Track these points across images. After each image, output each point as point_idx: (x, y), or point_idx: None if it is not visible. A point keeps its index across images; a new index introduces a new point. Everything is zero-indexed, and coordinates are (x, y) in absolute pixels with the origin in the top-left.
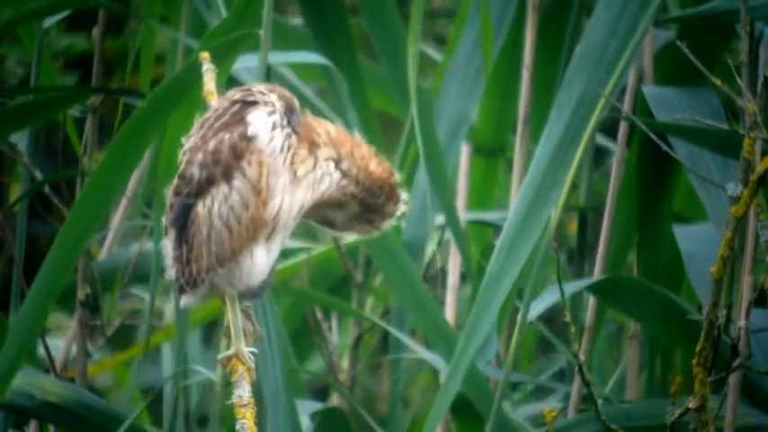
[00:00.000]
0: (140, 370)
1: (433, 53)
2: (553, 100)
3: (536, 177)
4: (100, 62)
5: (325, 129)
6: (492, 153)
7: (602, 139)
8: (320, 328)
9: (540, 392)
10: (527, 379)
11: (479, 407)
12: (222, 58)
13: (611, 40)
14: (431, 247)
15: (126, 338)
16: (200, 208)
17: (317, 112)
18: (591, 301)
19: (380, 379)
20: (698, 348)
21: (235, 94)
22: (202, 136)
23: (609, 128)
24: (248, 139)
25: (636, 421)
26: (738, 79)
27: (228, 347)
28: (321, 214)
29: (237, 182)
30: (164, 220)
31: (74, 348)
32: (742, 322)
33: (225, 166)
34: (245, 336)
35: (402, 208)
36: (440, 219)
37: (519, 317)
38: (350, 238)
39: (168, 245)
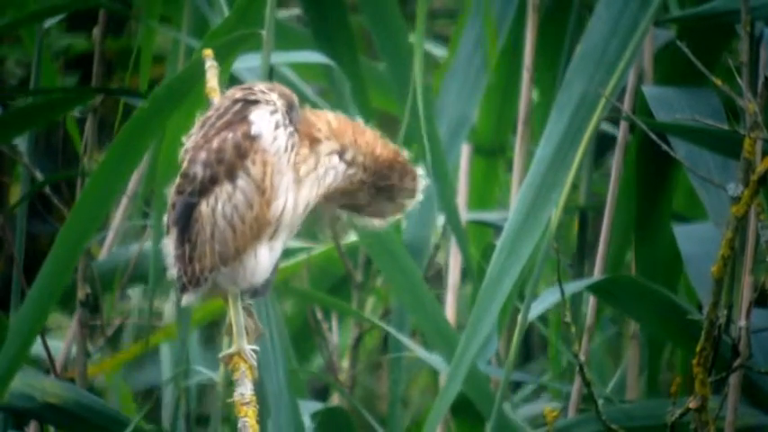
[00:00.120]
0: (139, 370)
1: (434, 53)
2: (553, 100)
3: (536, 178)
4: (100, 62)
5: (326, 121)
6: (492, 153)
7: (608, 126)
8: (320, 328)
9: (541, 392)
10: (527, 379)
11: (480, 407)
12: (224, 58)
13: (611, 40)
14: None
15: (126, 339)
16: (204, 207)
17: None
18: (591, 301)
19: (380, 379)
20: (698, 348)
21: (236, 92)
22: (204, 134)
23: (614, 123)
24: (252, 139)
25: (636, 421)
26: (739, 79)
27: (230, 345)
28: (343, 203)
29: (241, 181)
30: (165, 219)
31: (74, 348)
32: (742, 322)
33: (229, 165)
34: (247, 333)
35: (422, 181)
36: (440, 219)
37: (519, 317)
38: (382, 223)
39: (170, 244)
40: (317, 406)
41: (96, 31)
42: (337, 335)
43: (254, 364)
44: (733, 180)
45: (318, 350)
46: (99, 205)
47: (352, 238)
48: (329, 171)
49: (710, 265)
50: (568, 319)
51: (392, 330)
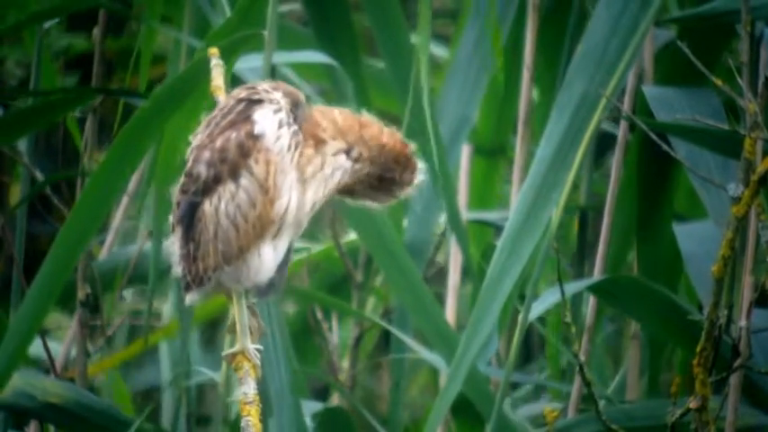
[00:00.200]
0: (138, 371)
1: (434, 53)
2: (554, 100)
3: (537, 178)
4: (100, 62)
5: (332, 119)
6: (493, 153)
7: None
8: (320, 328)
9: (541, 392)
10: (527, 379)
11: (480, 408)
12: (226, 59)
13: (611, 40)
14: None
15: (126, 338)
16: (207, 206)
17: None
18: (591, 301)
19: (380, 379)
20: (699, 348)
21: (240, 92)
22: (209, 134)
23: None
24: (255, 138)
25: (636, 421)
26: (739, 79)
27: (233, 344)
28: (342, 189)
29: (245, 180)
30: (170, 218)
31: (74, 349)
32: (743, 322)
33: (232, 164)
34: (251, 332)
35: (420, 176)
36: (441, 219)
37: (520, 317)
38: (373, 206)
39: (175, 243)
40: (316, 406)
41: (96, 31)
42: (337, 335)
43: (258, 363)
44: (733, 180)
45: (318, 350)
46: (99, 205)
47: (352, 237)
48: (336, 171)
49: (711, 265)
50: (568, 319)
51: (394, 330)
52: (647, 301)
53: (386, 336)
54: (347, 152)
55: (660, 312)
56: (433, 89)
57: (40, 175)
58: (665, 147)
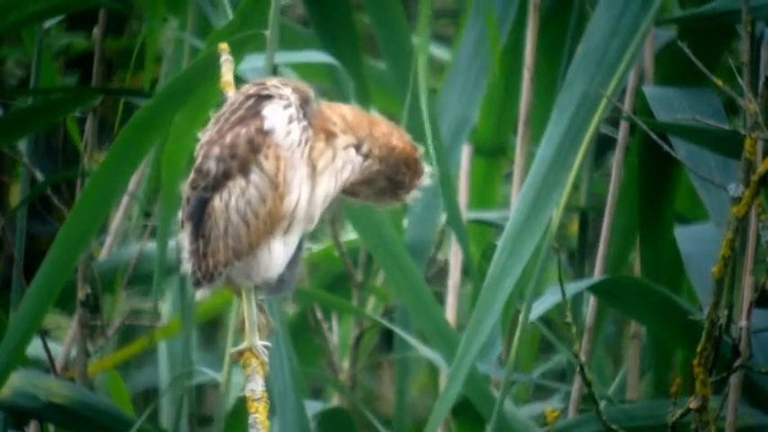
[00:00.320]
0: (137, 371)
1: (434, 53)
2: (554, 100)
3: (537, 178)
4: (100, 62)
5: (341, 114)
6: (493, 153)
7: (607, 129)
8: (320, 328)
9: (541, 392)
10: (528, 379)
11: (480, 408)
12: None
13: (612, 41)
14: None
15: (126, 338)
16: (217, 202)
17: None
18: (591, 301)
19: (381, 379)
20: (699, 348)
21: (249, 88)
22: (218, 130)
23: (613, 125)
24: (265, 133)
25: (637, 421)
26: (740, 79)
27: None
28: (346, 190)
29: (254, 176)
30: (180, 215)
31: (74, 348)
32: (743, 322)
33: (242, 159)
34: (259, 329)
35: (426, 180)
36: (441, 219)
37: (521, 317)
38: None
39: (184, 239)
40: (317, 406)
41: (96, 31)
42: (337, 335)
43: (266, 360)
44: (734, 180)
45: (318, 350)
46: (99, 205)
47: (352, 237)
48: (347, 164)
49: (711, 266)
50: (569, 319)
51: (397, 330)
52: (648, 301)
53: (386, 336)
54: (357, 147)
55: (661, 312)
56: (434, 90)
57: (40, 176)
58: (665, 147)
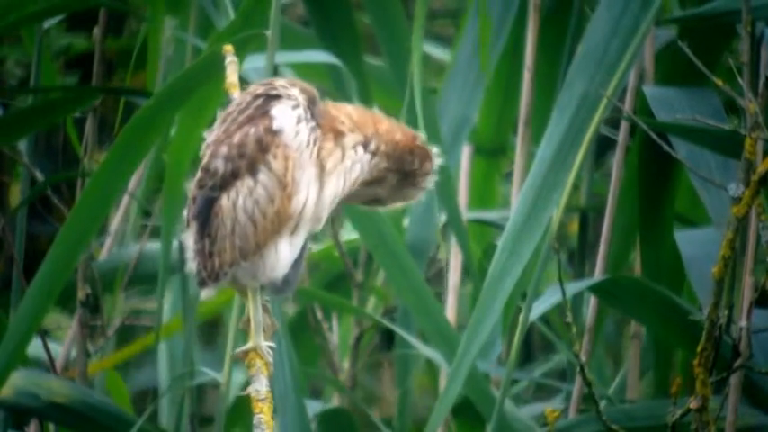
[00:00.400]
0: (137, 370)
1: (435, 53)
2: (554, 101)
3: (537, 179)
4: (100, 62)
5: (347, 114)
6: (493, 153)
7: (607, 130)
8: (320, 328)
9: (541, 392)
10: (528, 377)
11: (480, 408)
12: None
13: (612, 41)
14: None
15: (126, 338)
16: (225, 201)
17: None
18: (592, 301)
19: (381, 379)
20: (699, 349)
21: (257, 88)
22: (226, 129)
23: (613, 125)
24: (274, 133)
25: (637, 421)
26: (740, 79)
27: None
28: (364, 195)
29: (263, 175)
30: (185, 214)
31: (74, 348)
32: (743, 323)
33: (250, 159)
34: (263, 330)
35: (437, 161)
36: (442, 219)
37: (521, 317)
38: (399, 206)
39: (190, 238)
40: (317, 406)
41: (96, 31)
42: (337, 334)
43: (271, 360)
44: (734, 180)
45: (318, 350)
46: (99, 205)
47: (352, 236)
48: (356, 163)
49: (711, 268)
50: (569, 319)
51: (398, 329)
52: (648, 301)
53: (386, 336)
54: (365, 145)
55: (661, 312)
56: (434, 90)
57: (40, 176)
58: (665, 147)
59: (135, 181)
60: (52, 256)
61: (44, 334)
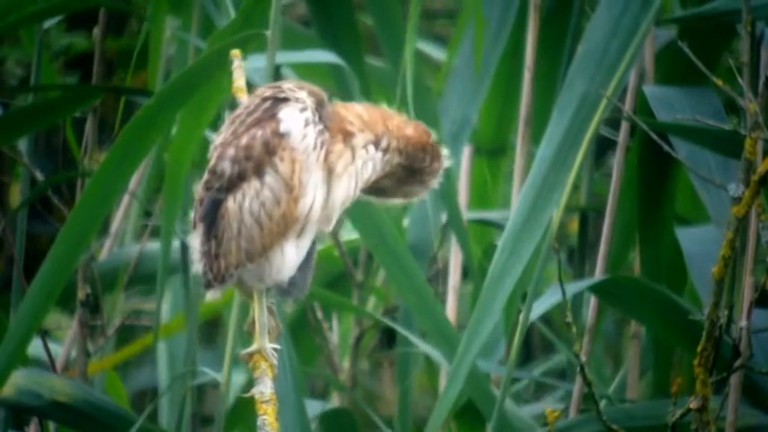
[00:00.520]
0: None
1: (434, 55)
2: (555, 100)
3: (537, 178)
4: (100, 62)
5: (356, 114)
6: (493, 153)
7: (606, 131)
8: (320, 327)
9: (541, 392)
10: (529, 377)
11: (481, 407)
12: (227, 59)
13: (612, 41)
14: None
15: (126, 338)
16: (231, 203)
17: None
18: (592, 301)
19: (381, 379)
20: (699, 349)
21: (265, 90)
22: (233, 131)
23: (613, 125)
24: (281, 136)
25: (637, 421)
26: (740, 79)
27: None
28: (369, 187)
29: (269, 178)
30: (192, 215)
31: (74, 348)
32: (743, 322)
33: (257, 161)
34: (268, 332)
35: (446, 162)
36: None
37: (521, 317)
38: (399, 202)
39: (196, 239)
40: (316, 405)
41: (96, 31)
42: (337, 334)
43: (275, 362)
44: (734, 180)
45: (317, 349)
46: (100, 205)
47: (352, 236)
48: (367, 163)
49: (712, 266)
50: (570, 319)
51: (399, 328)
52: (648, 301)
53: (387, 336)
54: (375, 143)
55: (661, 312)
56: (430, 88)
57: (40, 176)
58: (665, 147)
59: (135, 180)
60: (53, 256)
61: (44, 334)
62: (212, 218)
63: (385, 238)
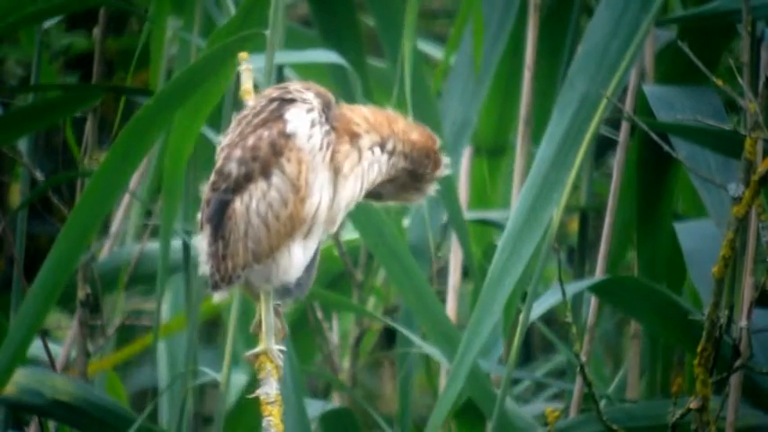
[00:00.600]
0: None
1: (434, 55)
2: (555, 100)
3: (537, 178)
4: (100, 62)
5: (362, 115)
6: (493, 153)
7: (606, 130)
8: (320, 327)
9: (541, 392)
10: (530, 377)
11: (482, 406)
12: (229, 58)
13: (612, 40)
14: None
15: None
16: (238, 204)
17: None
18: (592, 301)
19: (380, 378)
20: (699, 349)
21: (272, 92)
22: (240, 132)
23: (613, 125)
24: (287, 137)
25: (637, 421)
26: (740, 79)
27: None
28: (371, 192)
29: (276, 178)
30: (199, 216)
31: (74, 349)
32: (743, 322)
33: (263, 162)
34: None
35: (445, 171)
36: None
37: (521, 317)
38: (394, 205)
39: (203, 240)
40: (316, 405)
41: (96, 31)
42: (337, 333)
43: (281, 363)
44: (734, 180)
45: (316, 348)
46: (100, 205)
47: (352, 236)
48: (373, 164)
49: (711, 263)
50: (569, 319)
51: (400, 328)
52: (648, 301)
53: (387, 336)
54: (382, 146)
55: (661, 312)
56: (433, 88)
57: (40, 175)
58: (666, 147)
59: (136, 180)
60: (53, 256)
61: (44, 334)
62: (219, 219)
63: (385, 238)
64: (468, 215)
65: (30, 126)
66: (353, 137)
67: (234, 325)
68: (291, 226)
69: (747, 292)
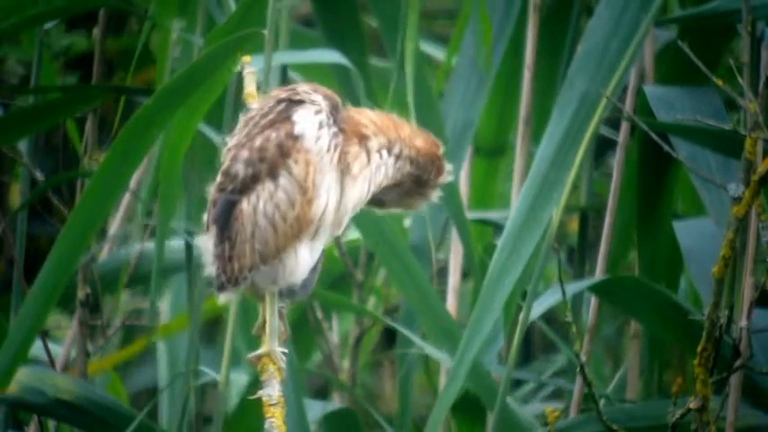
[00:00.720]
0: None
1: (435, 55)
2: (554, 100)
3: (537, 178)
4: (100, 62)
5: (370, 118)
6: (493, 153)
7: (606, 130)
8: (320, 327)
9: (541, 392)
10: (528, 376)
11: (484, 401)
12: (228, 57)
13: (612, 40)
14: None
15: (126, 338)
16: (245, 205)
17: None
18: (592, 301)
19: (380, 378)
20: (699, 349)
21: (280, 93)
22: (247, 134)
23: (613, 125)
24: (295, 138)
25: (637, 421)
26: (740, 79)
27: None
28: (374, 197)
29: (283, 180)
30: (205, 217)
31: (74, 349)
32: (743, 322)
33: (271, 163)
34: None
35: (448, 177)
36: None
37: (521, 316)
38: (397, 212)
39: (209, 241)
40: (316, 405)
41: (96, 31)
42: (337, 333)
43: (283, 366)
44: (734, 180)
45: (318, 349)
46: (100, 205)
47: (354, 236)
48: (381, 167)
49: (710, 261)
50: (569, 318)
51: (400, 328)
52: (648, 301)
53: (388, 335)
54: (389, 149)
55: (661, 312)
56: (435, 89)
57: (40, 175)
58: (666, 147)
59: (136, 180)
60: (53, 257)
61: (44, 334)
62: (226, 220)
63: (385, 237)
64: (468, 215)
65: (30, 127)
66: (362, 138)
67: (233, 324)
68: (298, 227)
69: (747, 292)
